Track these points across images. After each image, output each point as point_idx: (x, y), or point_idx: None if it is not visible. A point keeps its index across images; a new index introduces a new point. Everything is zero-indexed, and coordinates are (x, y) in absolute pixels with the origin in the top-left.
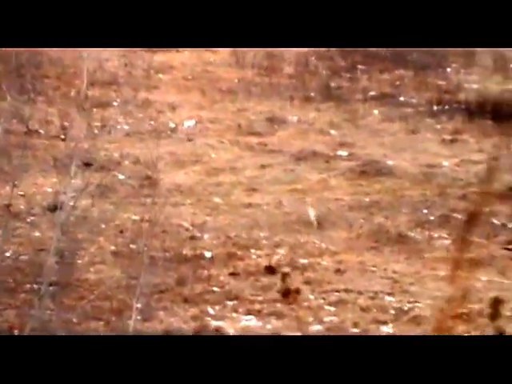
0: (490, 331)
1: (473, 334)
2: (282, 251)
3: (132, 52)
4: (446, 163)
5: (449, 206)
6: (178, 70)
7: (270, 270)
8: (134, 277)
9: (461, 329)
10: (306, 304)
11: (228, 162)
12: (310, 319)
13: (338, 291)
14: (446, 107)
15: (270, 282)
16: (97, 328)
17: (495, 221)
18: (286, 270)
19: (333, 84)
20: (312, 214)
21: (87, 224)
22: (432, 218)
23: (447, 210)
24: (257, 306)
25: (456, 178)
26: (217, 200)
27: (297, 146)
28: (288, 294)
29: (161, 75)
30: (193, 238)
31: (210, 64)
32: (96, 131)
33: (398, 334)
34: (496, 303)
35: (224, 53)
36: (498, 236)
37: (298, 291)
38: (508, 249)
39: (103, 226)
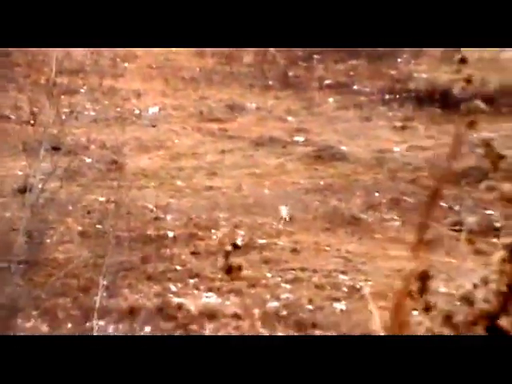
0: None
1: (419, 310)
2: (240, 232)
3: None
4: (397, 149)
5: (399, 189)
6: (143, 59)
7: (229, 250)
8: (101, 256)
9: (409, 305)
10: (263, 282)
11: (190, 148)
12: (268, 296)
13: (294, 270)
14: (397, 96)
15: (229, 261)
16: (65, 304)
17: (443, 204)
18: (244, 249)
19: (290, 73)
20: (284, 211)
21: (56, 205)
22: (384, 200)
23: (398, 194)
24: (217, 284)
25: (406, 162)
26: (179, 183)
27: (256, 132)
28: (251, 265)
29: (126, 64)
30: (156, 219)
31: (172, 53)
32: (64, 117)
33: (350, 312)
34: (423, 278)
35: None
36: (447, 218)
37: (256, 269)
38: (455, 230)
39: (71, 207)
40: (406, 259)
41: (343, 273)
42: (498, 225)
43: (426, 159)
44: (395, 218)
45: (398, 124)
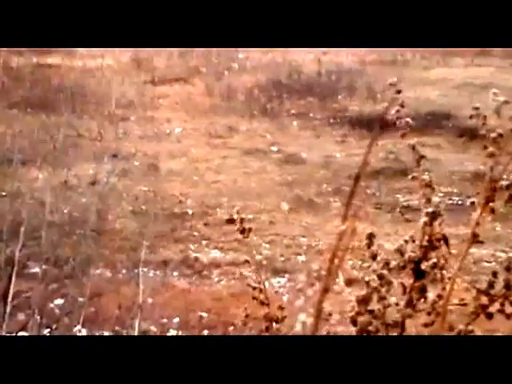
0: (367, 256)
1: (355, 260)
2: (236, 210)
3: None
4: (338, 155)
5: (340, 182)
6: (172, 97)
7: (228, 221)
8: (144, 226)
9: (357, 254)
10: (251, 244)
11: (203, 156)
12: (254, 252)
13: (271, 235)
14: (338, 120)
15: (228, 230)
16: (121, 258)
17: (368, 191)
18: (239, 221)
19: (268, 106)
20: (285, 207)
21: (115, 193)
22: (330, 189)
23: (339, 185)
24: (220, 244)
25: (344, 164)
26: (195, 178)
27: (246, 145)
28: (243, 232)
29: (160, 100)
30: (180, 202)
31: (190, 94)
32: (120, 135)
33: (308, 262)
34: (371, 237)
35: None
36: (371, 200)
37: (249, 231)
38: (377, 208)
39: (125, 194)
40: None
41: (303, 236)
42: (417, 202)
43: (356, 162)
44: (337, 200)
45: (339, 139)
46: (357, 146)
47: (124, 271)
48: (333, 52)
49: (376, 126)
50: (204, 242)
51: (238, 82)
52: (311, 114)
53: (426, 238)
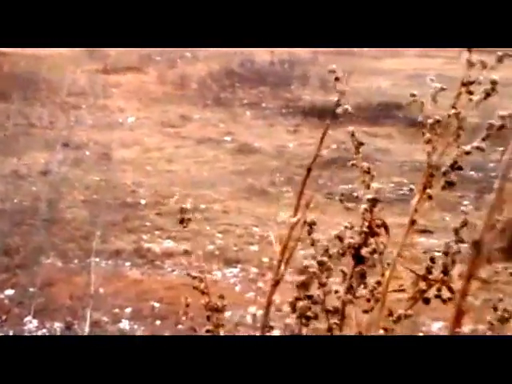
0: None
1: (299, 247)
2: (189, 200)
3: None
4: (290, 145)
5: (292, 171)
6: (124, 86)
7: (181, 211)
8: (96, 216)
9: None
10: (204, 232)
11: (156, 145)
12: (207, 242)
13: (224, 224)
14: (291, 110)
15: (180, 218)
16: (72, 248)
17: (320, 181)
18: (191, 211)
19: (221, 95)
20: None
21: (66, 183)
22: (282, 179)
23: (291, 174)
24: (173, 234)
25: (296, 154)
26: (148, 168)
27: (199, 134)
28: (182, 222)
29: (113, 89)
30: (133, 191)
31: (143, 82)
32: (72, 124)
33: (260, 250)
34: (311, 224)
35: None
36: (322, 190)
37: (199, 224)
38: (328, 198)
39: (76, 184)
40: (295, 216)
41: (256, 226)
42: (359, 192)
43: (308, 152)
44: (289, 190)
45: (291, 129)
46: (309, 136)
47: (76, 261)
48: None
49: (328, 116)
50: (157, 232)
51: (191, 70)
52: (264, 104)
53: (366, 224)
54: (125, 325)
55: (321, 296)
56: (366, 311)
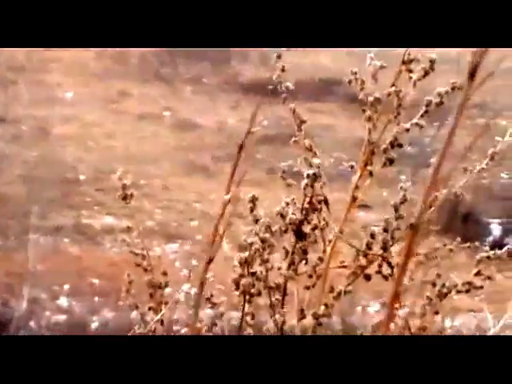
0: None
1: (250, 222)
2: (129, 176)
3: None
4: (231, 121)
5: (233, 148)
6: (64, 61)
7: (123, 187)
8: (35, 191)
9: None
10: (144, 210)
11: (96, 120)
12: (146, 217)
13: (164, 200)
14: (231, 86)
15: (123, 194)
16: (13, 224)
17: (259, 156)
18: (131, 187)
19: (161, 70)
20: (159, 163)
21: (3, 158)
22: (222, 155)
23: (232, 150)
24: (113, 210)
25: (237, 130)
26: (89, 143)
27: (139, 110)
28: (125, 198)
29: (53, 64)
30: (73, 167)
31: (81, 57)
32: (9, 99)
33: (200, 225)
34: (253, 200)
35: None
36: (264, 165)
37: (138, 201)
38: (270, 173)
39: (13, 158)
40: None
41: (197, 202)
42: (300, 168)
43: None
44: (228, 166)
45: (232, 104)
46: (249, 112)
47: (13, 238)
48: None
49: (264, 92)
50: (96, 208)
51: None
52: (204, 79)
53: (307, 200)
54: (63, 302)
55: (263, 273)
56: (307, 287)
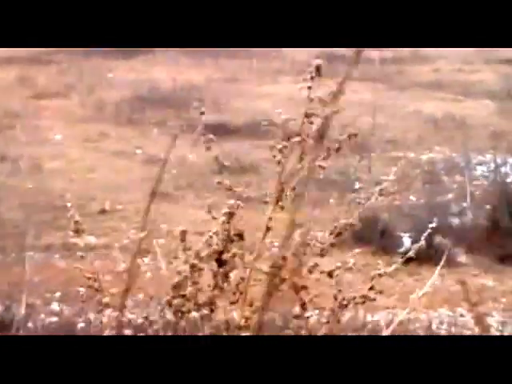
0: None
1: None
2: (107, 202)
3: None
4: (190, 156)
5: (192, 178)
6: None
7: (100, 212)
8: (30, 217)
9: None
10: (121, 229)
11: (80, 157)
12: (123, 236)
13: (136, 222)
14: (191, 128)
15: (101, 218)
16: None
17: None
18: (110, 211)
19: (133, 116)
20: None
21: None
22: (184, 184)
23: (191, 180)
24: (95, 231)
25: (195, 163)
26: (73, 176)
27: (115, 148)
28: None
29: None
30: (61, 196)
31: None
32: (6, 141)
33: (166, 244)
34: (183, 233)
35: None
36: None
37: (116, 221)
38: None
39: (13, 191)
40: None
41: (163, 223)
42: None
43: (204, 161)
44: (190, 192)
45: (191, 143)
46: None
47: (13, 254)
48: (185, 72)
49: (219, 132)
50: (81, 229)
51: (107, 96)
52: (169, 123)
53: (226, 233)
54: (55, 306)
55: (193, 293)
56: (232, 302)
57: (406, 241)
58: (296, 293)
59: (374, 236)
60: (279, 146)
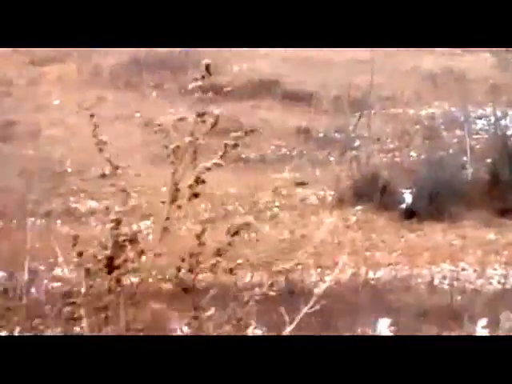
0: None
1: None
2: (107, 166)
3: None
4: (190, 119)
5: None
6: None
7: (101, 176)
8: (30, 183)
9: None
10: (121, 194)
11: (78, 122)
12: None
13: (138, 186)
14: (188, 90)
15: (101, 183)
16: None
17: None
18: (110, 175)
19: (131, 80)
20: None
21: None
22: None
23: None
24: (96, 195)
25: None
26: (72, 142)
27: (113, 112)
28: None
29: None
30: (60, 161)
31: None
32: None
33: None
34: (75, 238)
35: None
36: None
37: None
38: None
39: (11, 157)
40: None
41: (164, 186)
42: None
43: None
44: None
45: (189, 104)
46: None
47: (14, 221)
48: None
49: (220, 94)
50: (81, 195)
51: (103, 62)
52: (166, 86)
53: (115, 239)
54: (58, 271)
55: (87, 297)
56: (133, 304)
57: (407, 197)
58: (185, 292)
59: (374, 193)
60: (172, 147)
